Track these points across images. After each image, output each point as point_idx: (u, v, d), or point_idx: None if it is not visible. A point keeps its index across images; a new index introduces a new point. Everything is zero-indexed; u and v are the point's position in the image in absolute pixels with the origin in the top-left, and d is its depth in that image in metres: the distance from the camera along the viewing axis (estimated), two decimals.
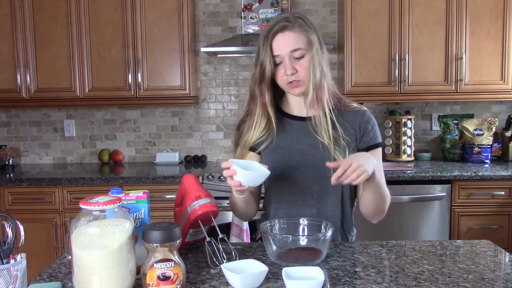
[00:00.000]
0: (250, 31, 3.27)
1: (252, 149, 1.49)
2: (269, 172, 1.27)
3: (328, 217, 1.44)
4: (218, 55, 3.36)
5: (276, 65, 1.39)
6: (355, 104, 1.49)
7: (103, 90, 3.09)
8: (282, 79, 1.40)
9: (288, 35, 1.36)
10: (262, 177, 1.27)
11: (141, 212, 1.21)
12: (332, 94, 1.45)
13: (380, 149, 1.49)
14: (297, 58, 1.37)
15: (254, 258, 1.18)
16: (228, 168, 1.24)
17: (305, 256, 1.20)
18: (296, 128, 1.48)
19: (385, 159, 3.25)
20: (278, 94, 1.50)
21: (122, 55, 3.07)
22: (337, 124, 1.42)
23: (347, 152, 1.41)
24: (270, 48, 1.37)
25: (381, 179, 1.39)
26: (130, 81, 3.07)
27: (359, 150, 1.45)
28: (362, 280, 1.11)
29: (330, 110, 1.42)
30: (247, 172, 1.23)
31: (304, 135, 1.46)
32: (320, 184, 1.43)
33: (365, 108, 1.50)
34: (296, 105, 1.50)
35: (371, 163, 1.24)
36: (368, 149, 1.45)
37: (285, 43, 1.36)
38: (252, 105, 1.48)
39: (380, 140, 1.49)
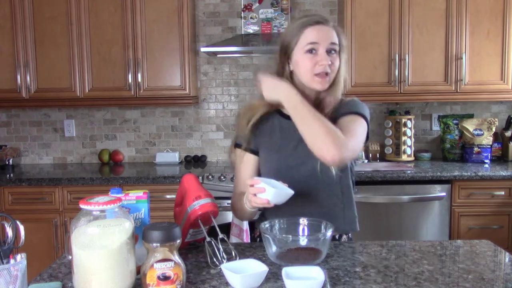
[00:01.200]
0: (250, 31, 3.27)
1: (250, 150, 1.50)
2: (293, 192, 1.26)
3: (330, 210, 1.46)
4: (218, 55, 3.36)
5: (308, 51, 1.38)
6: (341, 98, 1.49)
7: (103, 90, 3.09)
8: (313, 69, 1.37)
9: (329, 29, 1.40)
10: (287, 197, 1.26)
11: (141, 212, 1.21)
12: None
13: (360, 118, 1.40)
14: (330, 53, 1.38)
15: (254, 258, 1.18)
16: (253, 186, 1.25)
17: (305, 256, 1.20)
18: (295, 128, 1.47)
19: (385, 159, 3.26)
20: None
21: (122, 55, 3.07)
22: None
23: None
24: (302, 31, 1.38)
25: (312, 115, 1.28)
26: (130, 81, 3.07)
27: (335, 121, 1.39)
28: (362, 280, 1.11)
29: (329, 111, 1.43)
30: (276, 190, 1.22)
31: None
32: (316, 179, 1.43)
33: (344, 98, 1.50)
34: None
35: (278, 91, 1.34)
36: (342, 115, 1.40)
37: (327, 34, 1.38)
38: None
39: (361, 111, 1.41)
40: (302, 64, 1.39)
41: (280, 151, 1.47)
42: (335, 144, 1.22)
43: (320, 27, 1.39)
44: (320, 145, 1.24)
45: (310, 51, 1.38)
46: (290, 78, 1.45)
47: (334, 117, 1.40)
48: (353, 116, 1.40)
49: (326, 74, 1.38)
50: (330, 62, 1.37)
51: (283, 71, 1.44)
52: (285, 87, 1.34)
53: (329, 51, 1.38)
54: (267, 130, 1.49)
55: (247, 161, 1.51)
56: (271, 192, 1.22)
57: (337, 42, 1.40)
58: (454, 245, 1.39)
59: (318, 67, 1.37)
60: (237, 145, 1.53)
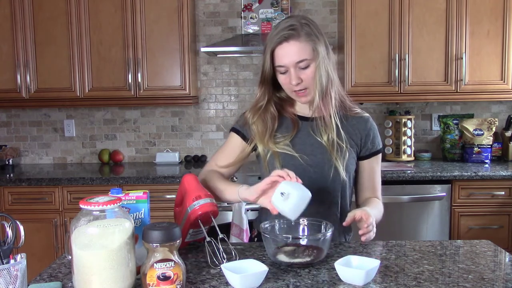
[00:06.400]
0: (250, 31, 3.27)
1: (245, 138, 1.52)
2: (310, 195, 1.22)
3: (327, 218, 1.43)
4: (218, 55, 3.36)
5: (281, 73, 1.39)
6: (358, 110, 1.52)
7: (103, 90, 3.09)
8: (288, 87, 1.41)
9: (294, 45, 1.34)
10: (306, 202, 1.22)
11: (141, 212, 1.20)
12: (338, 98, 1.47)
13: (380, 154, 1.54)
14: (302, 68, 1.36)
15: (254, 258, 1.18)
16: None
17: (306, 252, 1.19)
18: (299, 128, 1.48)
19: (385, 159, 3.26)
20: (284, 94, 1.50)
21: (122, 55, 3.07)
22: (341, 129, 1.44)
23: (346, 158, 1.43)
24: (271, 56, 1.37)
25: (376, 212, 1.41)
26: (130, 81, 3.07)
27: (360, 157, 1.50)
28: None
29: (334, 114, 1.44)
30: (294, 203, 1.20)
31: (307, 135, 1.46)
32: (319, 185, 1.43)
33: (368, 115, 1.53)
34: (300, 105, 1.50)
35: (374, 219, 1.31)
36: (369, 156, 1.50)
37: (290, 54, 1.35)
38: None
39: (380, 146, 1.54)
40: (281, 83, 1.42)
41: (295, 151, 1.44)
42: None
43: (285, 46, 1.34)
44: None
45: (282, 72, 1.39)
46: (278, 97, 1.49)
47: (361, 141, 1.49)
48: (378, 156, 1.53)
49: (302, 89, 1.38)
50: (299, 81, 1.36)
51: (267, 93, 1.46)
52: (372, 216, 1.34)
53: (300, 68, 1.36)
54: (283, 128, 1.48)
55: (245, 150, 1.52)
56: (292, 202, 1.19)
57: (305, 57, 1.34)
58: (454, 245, 1.39)
59: (290, 86, 1.39)
60: (237, 131, 1.53)
